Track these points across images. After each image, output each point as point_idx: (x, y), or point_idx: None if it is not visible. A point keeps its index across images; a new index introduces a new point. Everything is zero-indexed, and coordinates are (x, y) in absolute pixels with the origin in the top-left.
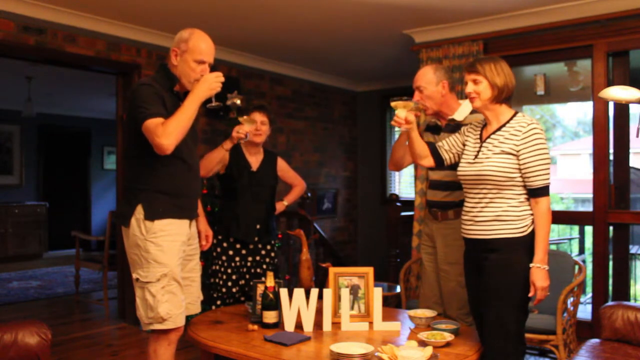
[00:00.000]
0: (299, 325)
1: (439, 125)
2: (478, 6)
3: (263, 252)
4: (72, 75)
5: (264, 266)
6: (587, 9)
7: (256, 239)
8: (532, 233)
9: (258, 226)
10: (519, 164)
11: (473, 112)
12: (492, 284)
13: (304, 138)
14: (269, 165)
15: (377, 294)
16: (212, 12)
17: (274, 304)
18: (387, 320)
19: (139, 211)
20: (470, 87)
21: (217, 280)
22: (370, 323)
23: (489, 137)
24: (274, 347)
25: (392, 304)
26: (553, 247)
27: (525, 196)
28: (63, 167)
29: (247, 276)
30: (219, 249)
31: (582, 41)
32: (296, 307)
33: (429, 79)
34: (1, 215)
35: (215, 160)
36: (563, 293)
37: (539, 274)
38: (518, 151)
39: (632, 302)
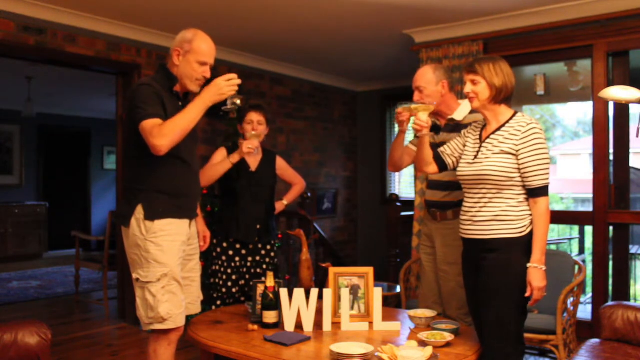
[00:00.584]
0: (299, 325)
1: (438, 125)
2: (478, 6)
3: (263, 252)
4: (72, 75)
5: (264, 266)
6: (587, 9)
7: (256, 239)
8: (531, 233)
9: (258, 226)
10: (518, 164)
11: (472, 112)
12: (491, 284)
13: (304, 138)
14: (268, 165)
15: (377, 294)
16: (212, 12)
17: (274, 304)
18: (387, 320)
19: (139, 211)
20: (468, 88)
21: (217, 280)
22: (370, 323)
23: (488, 137)
24: (274, 347)
25: (392, 304)
26: (553, 247)
27: (525, 196)
28: (63, 167)
29: (247, 276)
30: (218, 249)
31: (582, 41)
32: (296, 307)
33: (428, 78)
34: (1, 215)
35: (221, 173)
36: (563, 293)
37: (536, 274)
38: (517, 151)
39: (632, 302)
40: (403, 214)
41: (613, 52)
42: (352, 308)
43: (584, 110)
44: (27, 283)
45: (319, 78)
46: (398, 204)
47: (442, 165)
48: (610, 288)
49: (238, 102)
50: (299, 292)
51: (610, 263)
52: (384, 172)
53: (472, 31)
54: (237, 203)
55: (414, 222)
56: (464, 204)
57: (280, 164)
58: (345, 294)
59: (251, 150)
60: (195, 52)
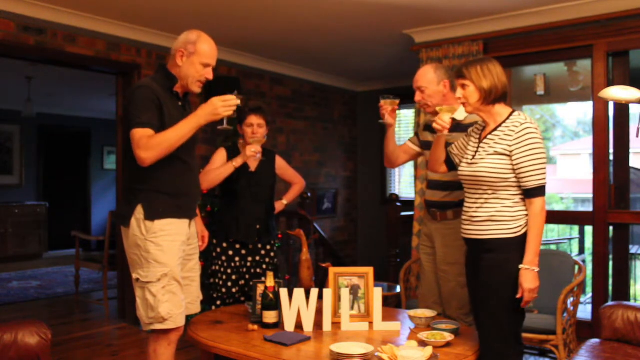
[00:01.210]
0: (299, 325)
1: None
2: (478, 6)
3: (263, 252)
4: (72, 75)
5: (264, 266)
6: (587, 9)
7: (256, 239)
8: (527, 234)
9: (258, 226)
10: (512, 165)
11: None
12: (487, 284)
13: (304, 138)
14: (267, 165)
15: (377, 294)
16: (212, 12)
17: (274, 304)
18: (387, 320)
19: (139, 211)
20: (459, 93)
21: (217, 280)
22: (370, 323)
23: (485, 137)
24: (274, 347)
25: (392, 304)
26: (553, 247)
27: (521, 197)
28: (63, 167)
29: (247, 276)
30: (218, 249)
31: (582, 41)
32: (296, 307)
33: (429, 78)
34: (1, 215)
35: (224, 177)
36: (563, 293)
37: (528, 275)
38: (511, 152)
39: (632, 302)
40: (403, 214)
41: (613, 52)
42: (352, 308)
43: (584, 110)
44: (27, 283)
45: (319, 78)
46: (398, 204)
47: (450, 165)
48: (610, 288)
49: (238, 102)
50: (299, 292)
51: (610, 263)
52: (384, 172)
53: (472, 31)
54: (237, 203)
55: (414, 222)
56: (465, 203)
57: (280, 164)
58: (345, 294)
59: (254, 154)
60: (200, 54)
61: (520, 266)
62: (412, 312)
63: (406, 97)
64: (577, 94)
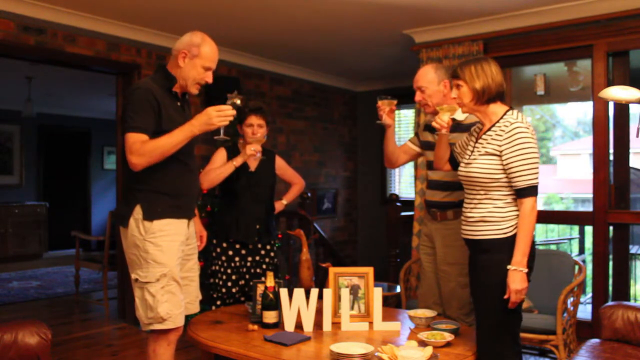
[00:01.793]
0: (299, 325)
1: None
2: (478, 6)
3: (263, 252)
4: (72, 75)
5: (264, 266)
6: (587, 9)
7: (256, 239)
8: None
9: (258, 226)
10: (503, 165)
11: None
12: (483, 284)
13: (304, 138)
14: (267, 165)
15: (377, 294)
16: (212, 12)
17: (274, 304)
18: (387, 320)
19: (138, 211)
20: (454, 93)
21: (216, 280)
22: (370, 323)
23: (480, 137)
24: (274, 347)
25: (392, 304)
26: (553, 247)
27: (513, 197)
28: (63, 167)
29: (247, 276)
30: (218, 249)
31: (582, 41)
32: (296, 307)
33: (430, 78)
34: (1, 215)
35: (224, 176)
36: (563, 293)
37: (515, 276)
38: (501, 151)
39: (632, 302)
40: (403, 214)
41: (613, 52)
42: (352, 308)
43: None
44: (27, 283)
45: (319, 78)
46: (398, 204)
47: (454, 163)
48: (610, 288)
49: (238, 102)
50: (299, 292)
51: (610, 263)
52: (384, 172)
53: (472, 31)
54: (237, 203)
55: (414, 222)
56: (463, 203)
57: (280, 164)
58: (345, 294)
59: (254, 153)
60: (203, 57)
61: (508, 267)
62: (412, 312)
63: (406, 97)
64: (577, 94)
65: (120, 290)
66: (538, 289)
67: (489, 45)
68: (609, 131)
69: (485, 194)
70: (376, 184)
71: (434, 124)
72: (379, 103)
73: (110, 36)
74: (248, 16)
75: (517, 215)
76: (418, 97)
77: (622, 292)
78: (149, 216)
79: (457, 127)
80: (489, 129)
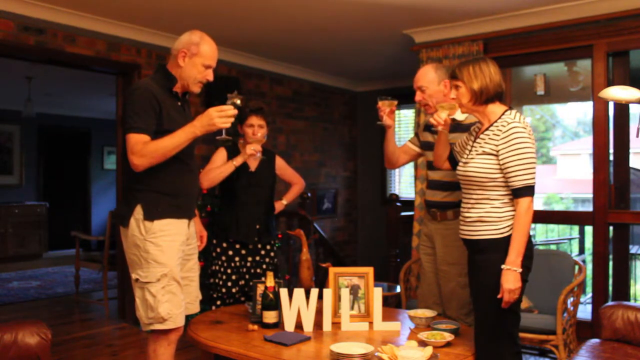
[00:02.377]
0: (299, 325)
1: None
2: (478, 6)
3: (263, 252)
4: (72, 75)
5: (264, 266)
6: (587, 9)
7: (256, 239)
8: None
9: (258, 226)
10: (499, 165)
11: None
12: (481, 284)
13: (304, 138)
14: (267, 165)
15: (377, 294)
16: (212, 12)
17: (274, 304)
18: (387, 320)
19: (138, 211)
20: (452, 93)
21: (216, 280)
22: (370, 323)
23: (478, 137)
24: (274, 347)
25: (392, 304)
26: (553, 247)
27: (510, 197)
28: (63, 167)
29: (247, 276)
30: (218, 249)
31: (582, 41)
32: (296, 307)
33: (430, 78)
34: (1, 215)
35: (224, 176)
36: (563, 293)
37: (508, 276)
38: (498, 151)
39: (632, 302)
40: (403, 214)
41: (613, 52)
42: (352, 308)
43: (584, 110)
44: (27, 283)
45: (319, 78)
46: (398, 204)
47: (453, 162)
48: (610, 288)
49: (238, 102)
50: (299, 292)
51: (610, 263)
52: (384, 172)
53: (472, 31)
54: (237, 203)
55: (414, 222)
56: (461, 203)
57: (280, 164)
58: (345, 294)
59: (254, 152)
60: (202, 55)
61: (502, 266)
62: (412, 312)
63: (406, 97)
64: (577, 94)
65: (120, 290)
66: (538, 289)
67: (489, 45)
68: (609, 131)
69: (482, 194)
70: (376, 184)
71: (431, 120)
72: (379, 104)
73: (110, 36)
74: (248, 16)
75: (513, 215)
76: (418, 97)
77: (622, 292)
78: (150, 216)
79: (457, 127)
80: (487, 129)
